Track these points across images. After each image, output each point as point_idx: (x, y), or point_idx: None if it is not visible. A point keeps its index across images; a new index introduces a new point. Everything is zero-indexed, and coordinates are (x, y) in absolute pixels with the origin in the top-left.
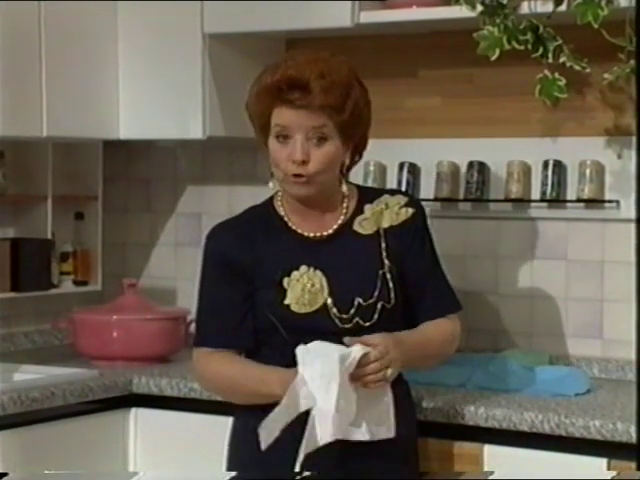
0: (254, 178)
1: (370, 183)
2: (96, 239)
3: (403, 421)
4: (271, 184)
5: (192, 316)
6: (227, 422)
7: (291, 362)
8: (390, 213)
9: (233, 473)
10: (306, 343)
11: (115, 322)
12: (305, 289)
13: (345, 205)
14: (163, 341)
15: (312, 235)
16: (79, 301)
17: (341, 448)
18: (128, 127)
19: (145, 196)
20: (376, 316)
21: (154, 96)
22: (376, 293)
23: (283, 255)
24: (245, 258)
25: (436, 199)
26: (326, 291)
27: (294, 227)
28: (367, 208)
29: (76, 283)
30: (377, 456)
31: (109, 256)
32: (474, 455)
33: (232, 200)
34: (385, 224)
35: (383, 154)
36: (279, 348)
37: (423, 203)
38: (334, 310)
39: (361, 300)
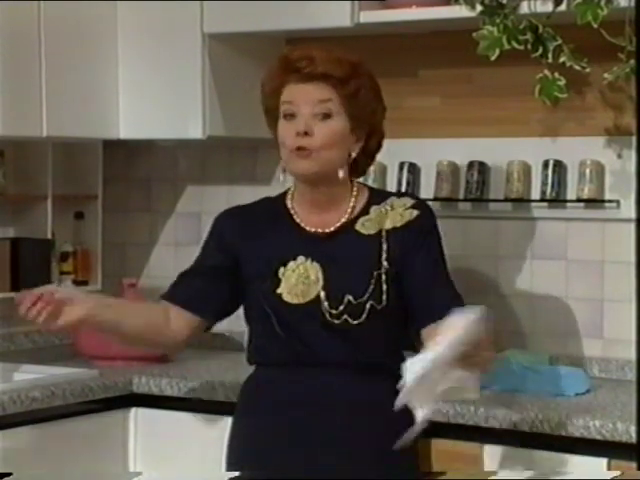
0: (254, 178)
1: (370, 183)
2: (96, 239)
3: (404, 422)
4: (281, 177)
5: None
6: (227, 422)
7: (286, 354)
8: (394, 214)
9: (233, 473)
10: (297, 335)
11: None
12: (299, 279)
13: (352, 205)
14: None
15: (314, 230)
16: None
17: (342, 448)
18: (128, 127)
19: (145, 196)
20: (364, 315)
21: (154, 96)
22: (367, 293)
23: (282, 245)
24: (243, 244)
25: (436, 199)
26: (320, 284)
27: (298, 220)
28: (373, 209)
29: (76, 283)
30: (378, 456)
31: (109, 256)
32: (474, 455)
33: (232, 200)
34: (388, 225)
35: (383, 154)
36: (273, 339)
37: None
38: (325, 304)
39: (351, 298)
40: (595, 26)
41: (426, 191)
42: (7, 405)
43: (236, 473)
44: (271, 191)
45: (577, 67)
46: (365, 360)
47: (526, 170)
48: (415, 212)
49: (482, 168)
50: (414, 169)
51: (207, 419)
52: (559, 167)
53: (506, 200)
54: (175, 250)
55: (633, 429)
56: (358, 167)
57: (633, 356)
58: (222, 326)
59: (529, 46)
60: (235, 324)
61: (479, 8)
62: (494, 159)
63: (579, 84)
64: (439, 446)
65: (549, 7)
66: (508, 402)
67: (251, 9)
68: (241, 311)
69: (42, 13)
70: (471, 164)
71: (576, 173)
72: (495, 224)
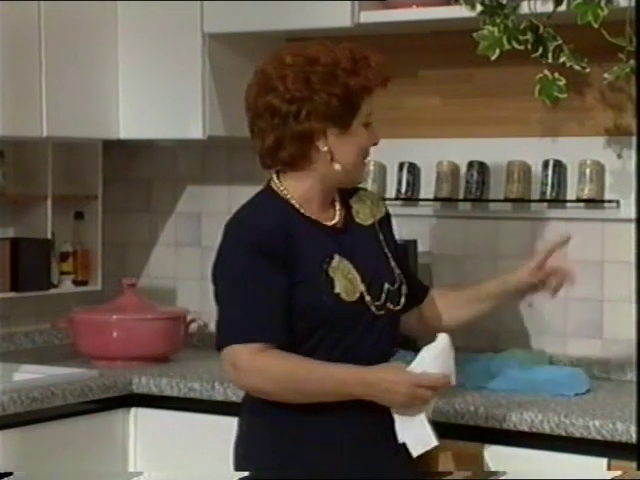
0: (254, 178)
1: (370, 183)
2: (96, 239)
3: None
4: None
5: (192, 316)
6: (227, 422)
7: (336, 353)
8: (374, 207)
9: (243, 473)
10: (350, 336)
11: (115, 322)
12: (347, 278)
13: (336, 199)
14: (163, 341)
15: (330, 224)
16: (79, 301)
17: (343, 448)
18: (128, 127)
19: (145, 196)
20: (402, 300)
21: (154, 96)
22: (397, 278)
23: (318, 244)
24: (285, 248)
25: (436, 199)
26: (359, 279)
27: (314, 217)
28: (354, 203)
29: (76, 283)
30: (378, 456)
31: (109, 256)
32: (474, 455)
33: (232, 200)
34: (377, 216)
35: (383, 154)
36: (322, 343)
37: (423, 203)
38: (368, 298)
39: (389, 285)
40: (595, 26)
41: (426, 191)
42: (7, 405)
43: (249, 473)
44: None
45: (577, 67)
46: (395, 348)
47: (526, 170)
48: (382, 203)
49: (482, 168)
50: (414, 169)
51: (207, 419)
52: (559, 167)
53: (506, 200)
54: (175, 250)
55: (633, 429)
56: None
57: (633, 356)
58: None
59: (529, 46)
60: None
61: (479, 8)
62: (494, 159)
63: (579, 84)
64: (439, 446)
65: (549, 7)
66: (508, 402)
67: (251, 9)
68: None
69: (42, 13)
70: (471, 164)
71: (576, 173)
72: (495, 224)
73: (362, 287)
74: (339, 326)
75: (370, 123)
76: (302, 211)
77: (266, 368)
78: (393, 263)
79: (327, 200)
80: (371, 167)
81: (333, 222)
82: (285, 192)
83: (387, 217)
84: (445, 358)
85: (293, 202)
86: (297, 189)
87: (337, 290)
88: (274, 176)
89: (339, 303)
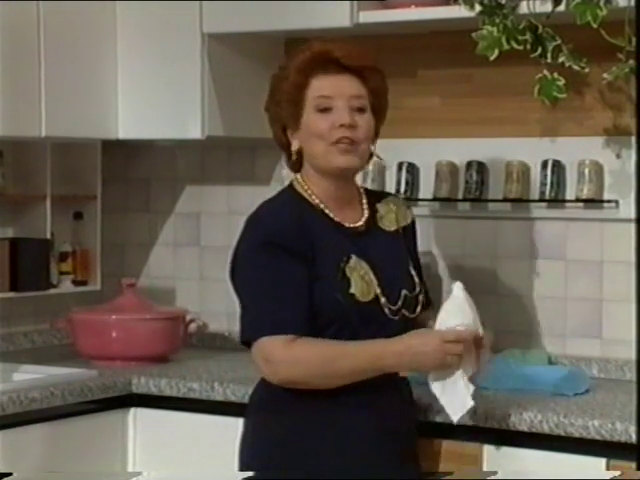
0: (253, 178)
1: (369, 183)
2: (95, 239)
3: (405, 421)
4: (284, 173)
5: (191, 316)
6: (226, 422)
7: None
8: (400, 213)
9: (247, 473)
10: (361, 335)
11: (114, 322)
12: (363, 279)
13: (364, 201)
14: (162, 341)
15: (352, 225)
16: (78, 301)
17: (349, 447)
18: (127, 127)
19: (144, 196)
20: (419, 308)
21: (153, 96)
22: (417, 286)
23: (336, 244)
24: (302, 243)
25: (435, 199)
26: (375, 282)
27: (337, 219)
28: (380, 207)
29: (75, 283)
30: (378, 456)
31: (108, 256)
32: (474, 455)
33: (231, 200)
34: (402, 223)
35: (382, 154)
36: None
37: (422, 203)
38: (383, 300)
39: (407, 292)
40: (594, 26)
41: (425, 191)
42: (6, 405)
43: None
44: (270, 191)
45: (576, 67)
46: None
47: (525, 170)
48: (409, 211)
49: (481, 168)
50: (413, 169)
51: (206, 419)
52: (558, 167)
53: (505, 200)
54: (174, 250)
55: (632, 429)
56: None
57: (633, 356)
58: (221, 326)
59: (528, 46)
60: (234, 324)
61: (478, 8)
62: (493, 159)
63: (578, 84)
64: (439, 446)
65: (548, 7)
66: (508, 402)
67: (251, 9)
68: (239, 309)
69: (42, 13)
70: (470, 164)
71: (575, 173)
72: (494, 224)
73: (378, 289)
74: (351, 325)
75: (327, 108)
76: (324, 210)
77: (301, 357)
78: (413, 271)
79: (345, 198)
80: (370, 167)
81: (357, 224)
82: (310, 191)
83: (412, 225)
84: (464, 309)
85: (313, 201)
86: (312, 187)
87: (352, 290)
88: (298, 176)
89: (353, 303)
